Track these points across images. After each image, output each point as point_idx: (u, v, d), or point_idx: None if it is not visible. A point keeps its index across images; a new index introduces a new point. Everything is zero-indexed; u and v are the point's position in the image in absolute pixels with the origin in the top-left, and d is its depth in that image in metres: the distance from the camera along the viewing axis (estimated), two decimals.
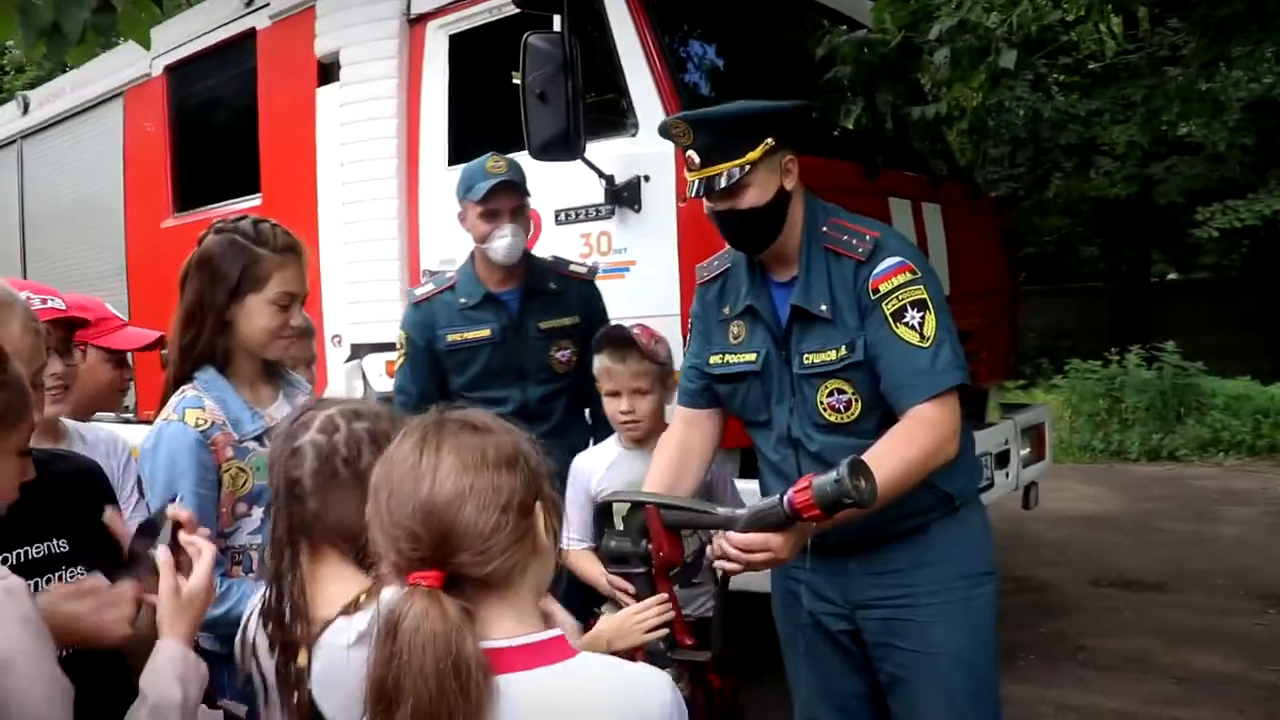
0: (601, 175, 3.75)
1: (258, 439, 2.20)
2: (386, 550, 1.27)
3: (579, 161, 3.66)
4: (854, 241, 2.29)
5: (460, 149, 4.41)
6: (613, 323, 3.04)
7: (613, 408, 2.88)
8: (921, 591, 2.34)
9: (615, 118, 3.92)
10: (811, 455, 2.34)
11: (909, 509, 2.28)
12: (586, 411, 3.48)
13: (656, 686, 1.33)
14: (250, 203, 5.38)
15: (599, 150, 3.74)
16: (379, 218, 4.61)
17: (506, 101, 3.70)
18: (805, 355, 2.32)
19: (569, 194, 3.93)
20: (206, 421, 2.15)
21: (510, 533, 1.25)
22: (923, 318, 2.21)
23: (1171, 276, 19.28)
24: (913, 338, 2.21)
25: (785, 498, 1.97)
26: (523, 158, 3.63)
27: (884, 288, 2.24)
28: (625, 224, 3.81)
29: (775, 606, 2.62)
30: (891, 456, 2.12)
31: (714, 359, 2.48)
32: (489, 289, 3.35)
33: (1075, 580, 6.13)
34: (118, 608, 1.62)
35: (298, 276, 2.26)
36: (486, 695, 1.20)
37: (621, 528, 2.22)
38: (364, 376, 4.68)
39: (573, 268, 3.52)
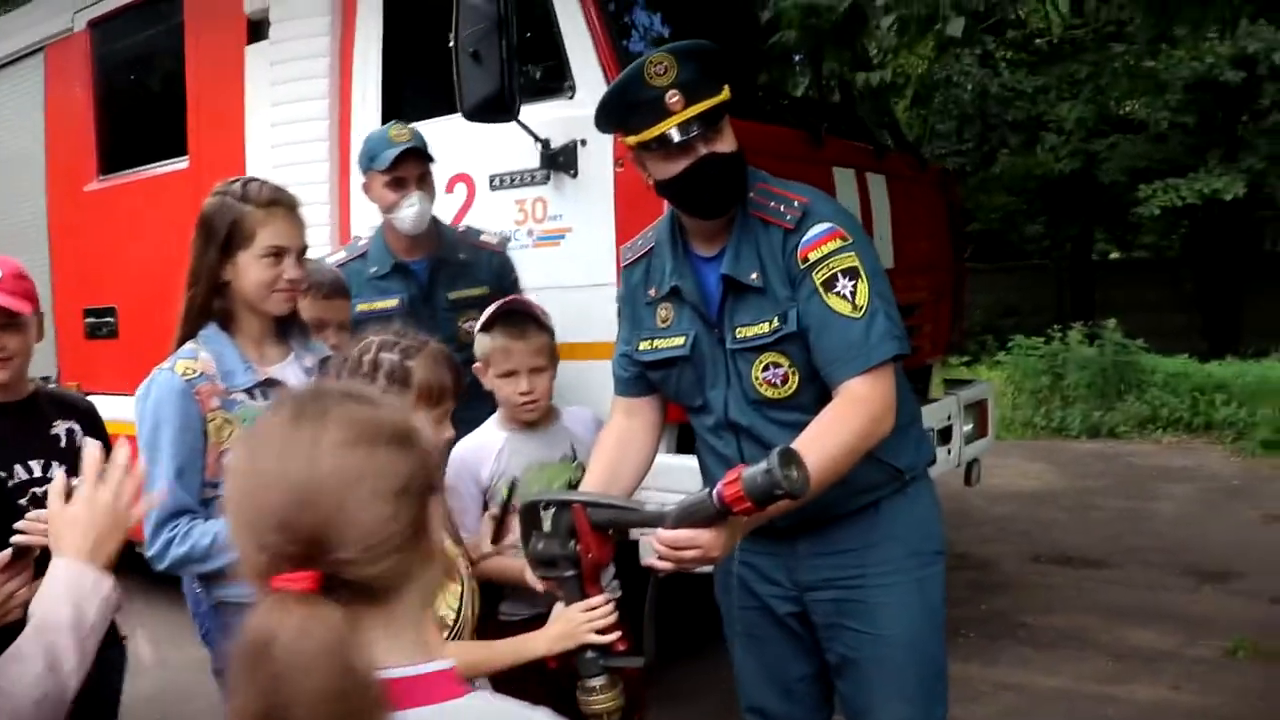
0: (537, 139, 3.62)
1: (248, 392, 2.24)
2: (246, 549, 1.02)
3: (513, 124, 3.53)
4: (782, 208, 2.18)
5: (395, 110, 4.24)
6: (516, 295, 2.91)
7: (509, 389, 2.68)
8: (873, 571, 2.26)
9: (552, 79, 3.78)
10: (752, 437, 2.25)
11: (858, 486, 2.20)
12: None
13: None
14: (177, 165, 5.19)
15: (534, 113, 3.59)
16: (309, 182, 4.41)
17: (443, 62, 3.55)
18: (738, 329, 2.21)
19: (503, 158, 3.79)
20: (195, 371, 2.23)
21: (405, 526, 1.03)
22: (854, 286, 2.11)
23: (1114, 255, 19.54)
24: (844, 308, 2.10)
25: (715, 491, 1.86)
26: (457, 120, 3.52)
27: (813, 256, 2.13)
28: (561, 190, 3.68)
29: (718, 589, 2.52)
30: (825, 438, 2.03)
31: (642, 345, 2.37)
32: (399, 258, 3.32)
33: (1016, 557, 6.14)
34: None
35: (287, 230, 2.29)
36: None
37: (549, 529, 2.11)
38: None
39: (484, 237, 3.49)
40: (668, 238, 2.32)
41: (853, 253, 2.13)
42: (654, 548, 1.96)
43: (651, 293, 2.35)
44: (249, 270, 2.26)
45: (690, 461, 2.75)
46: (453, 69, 3.44)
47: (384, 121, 4.20)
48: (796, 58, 5.03)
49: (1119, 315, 11.20)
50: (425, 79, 4.17)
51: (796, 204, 2.18)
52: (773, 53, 4.29)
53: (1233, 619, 4.87)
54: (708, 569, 2.46)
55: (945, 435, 4.51)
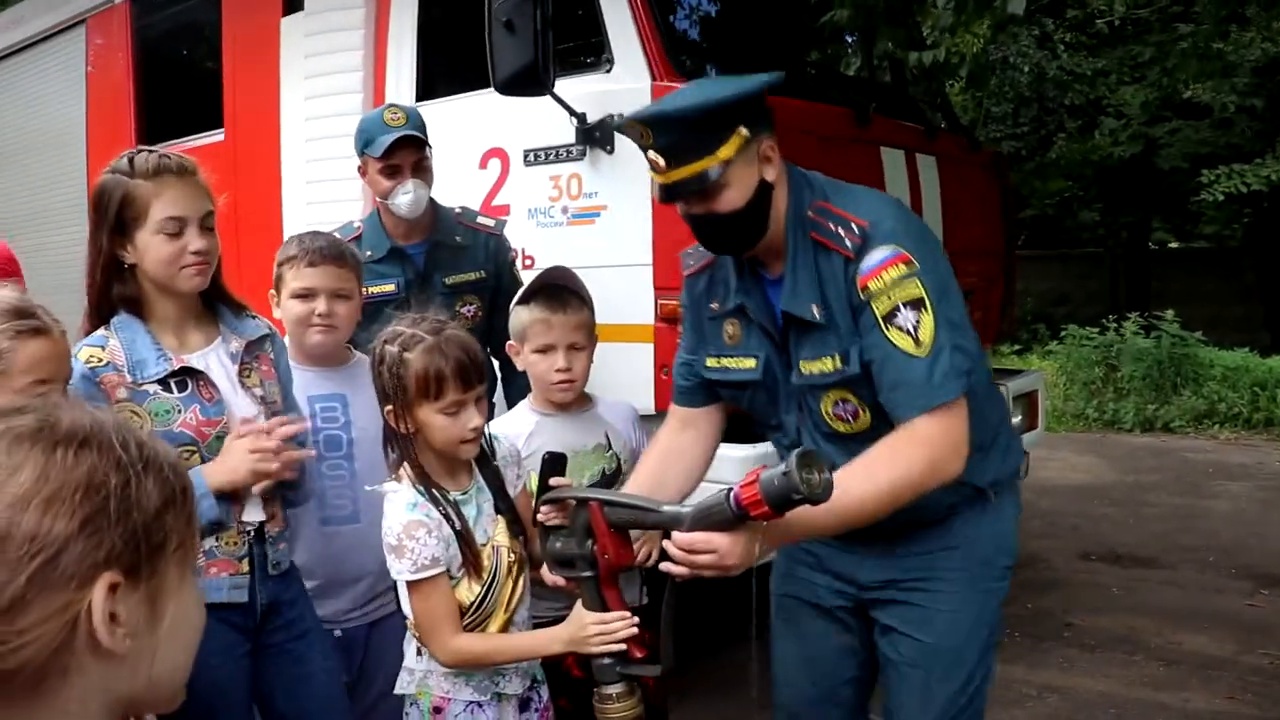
0: (572, 113, 3.48)
1: (162, 383, 2.09)
2: None
3: (548, 98, 3.41)
4: (841, 232, 1.98)
5: (429, 84, 4.17)
6: (555, 267, 2.78)
7: (544, 365, 2.55)
8: (942, 577, 2.12)
9: (589, 52, 3.65)
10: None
11: (934, 503, 2.03)
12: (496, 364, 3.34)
13: None
14: (214, 138, 5.14)
15: (570, 86, 3.47)
16: (342, 155, 4.32)
17: (478, 35, 3.43)
18: (802, 364, 2.05)
19: (539, 133, 3.67)
20: (101, 360, 2.09)
21: (43, 610, 0.81)
22: (918, 319, 1.90)
23: (1172, 245, 19.07)
24: (907, 344, 1.91)
25: (732, 493, 1.73)
26: (492, 94, 3.43)
27: (873, 285, 1.93)
28: (597, 166, 3.55)
29: (774, 577, 2.39)
30: (872, 471, 1.87)
31: (710, 362, 2.22)
32: (395, 242, 3.23)
33: (1064, 554, 5.95)
34: None
35: (183, 198, 2.09)
36: None
37: (565, 527, 2.03)
38: None
39: (480, 220, 3.39)
40: None
41: (917, 280, 1.93)
42: (669, 551, 1.85)
43: (714, 306, 2.21)
44: (149, 248, 2.07)
45: (735, 451, 2.62)
46: (485, 39, 3.33)
47: (419, 96, 4.11)
48: (848, 37, 4.87)
49: (1176, 306, 10.89)
50: (460, 51, 4.07)
51: (856, 229, 1.97)
52: (824, 31, 4.13)
53: None
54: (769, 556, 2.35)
55: None
